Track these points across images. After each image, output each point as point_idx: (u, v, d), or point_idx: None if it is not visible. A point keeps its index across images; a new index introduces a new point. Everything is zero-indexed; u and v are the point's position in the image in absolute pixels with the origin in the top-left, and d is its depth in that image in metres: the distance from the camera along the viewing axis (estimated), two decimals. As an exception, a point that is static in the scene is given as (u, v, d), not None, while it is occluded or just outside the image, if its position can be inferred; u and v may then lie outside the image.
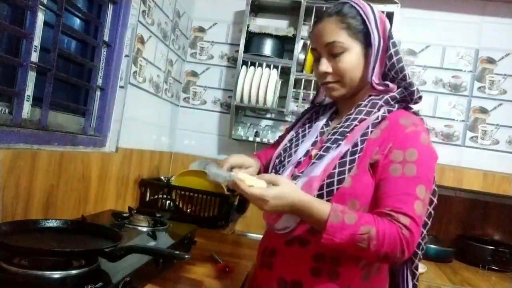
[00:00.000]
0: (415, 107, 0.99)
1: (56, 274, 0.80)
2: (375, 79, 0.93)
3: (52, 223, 0.99)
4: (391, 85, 0.94)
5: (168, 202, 1.79)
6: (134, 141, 1.74)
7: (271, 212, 0.91)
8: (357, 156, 0.87)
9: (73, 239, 0.96)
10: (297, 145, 1.01)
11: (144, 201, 1.80)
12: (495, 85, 2.07)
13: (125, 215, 1.40)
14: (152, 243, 1.15)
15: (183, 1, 2.10)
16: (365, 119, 0.91)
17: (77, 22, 1.44)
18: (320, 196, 0.87)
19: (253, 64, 2.08)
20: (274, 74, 2.02)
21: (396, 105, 0.93)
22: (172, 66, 2.10)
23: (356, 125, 0.91)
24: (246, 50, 2.08)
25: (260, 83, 2.01)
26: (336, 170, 0.87)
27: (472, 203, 2.06)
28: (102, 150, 1.54)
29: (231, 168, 1.01)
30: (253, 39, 2.12)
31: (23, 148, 1.10)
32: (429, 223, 0.95)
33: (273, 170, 1.03)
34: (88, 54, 1.49)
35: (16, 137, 1.07)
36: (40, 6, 1.13)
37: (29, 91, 1.15)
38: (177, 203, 1.78)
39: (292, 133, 1.09)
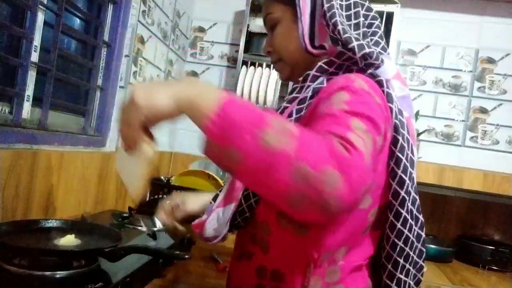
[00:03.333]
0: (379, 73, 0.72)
1: (56, 274, 0.80)
2: (310, 43, 0.76)
3: (52, 223, 0.99)
4: (328, 47, 0.73)
5: (168, 202, 1.79)
6: (134, 141, 1.74)
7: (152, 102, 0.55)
8: None
9: (73, 239, 0.96)
10: None
11: (144, 201, 1.80)
12: (495, 85, 2.07)
13: (125, 215, 1.40)
14: (152, 243, 1.15)
15: (183, 1, 2.10)
16: (296, 97, 0.72)
17: (77, 22, 1.44)
18: (246, 197, 0.72)
19: (253, 64, 2.08)
20: (274, 74, 2.02)
21: (341, 72, 0.71)
22: (172, 66, 2.09)
23: (285, 107, 0.73)
24: (246, 50, 2.08)
25: (260, 83, 2.01)
26: None
27: (472, 203, 2.06)
28: (102, 150, 1.54)
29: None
30: (253, 39, 2.12)
31: (23, 148, 1.10)
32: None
33: None
34: (88, 54, 1.49)
35: (16, 137, 1.07)
36: (40, 6, 1.13)
37: (29, 91, 1.15)
38: (177, 203, 1.78)
39: None
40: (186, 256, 0.95)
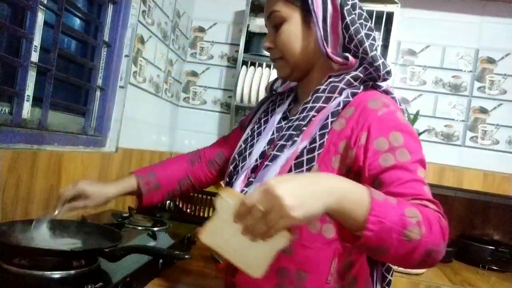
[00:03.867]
0: (385, 86, 0.83)
1: (56, 274, 0.80)
2: (330, 49, 0.79)
3: (52, 223, 0.99)
4: (351, 58, 0.79)
5: (168, 202, 1.79)
6: (134, 141, 1.74)
7: (297, 212, 0.54)
8: (316, 153, 0.74)
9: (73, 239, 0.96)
10: (252, 146, 0.86)
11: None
12: (495, 85, 2.07)
13: (125, 215, 1.40)
14: (152, 243, 1.15)
15: (183, 1, 2.10)
16: (324, 107, 0.77)
17: (77, 22, 1.44)
18: None
19: (253, 64, 2.08)
20: (274, 74, 2.02)
21: (362, 86, 0.79)
22: (172, 66, 2.09)
23: (313, 116, 0.77)
24: (246, 50, 2.08)
25: (260, 83, 2.01)
26: (292, 173, 0.74)
27: (472, 203, 2.06)
28: (102, 150, 1.54)
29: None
30: (253, 39, 2.12)
31: (23, 148, 1.10)
32: None
33: (227, 179, 0.87)
34: (88, 54, 1.49)
35: (16, 137, 1.07)
36: (40, 6, 1.13)
37: (29, 91, 1.15)
38: (177, 203, 1.78)
39: (248, 131, 0.93)
40: (186, 256, 0.95)
